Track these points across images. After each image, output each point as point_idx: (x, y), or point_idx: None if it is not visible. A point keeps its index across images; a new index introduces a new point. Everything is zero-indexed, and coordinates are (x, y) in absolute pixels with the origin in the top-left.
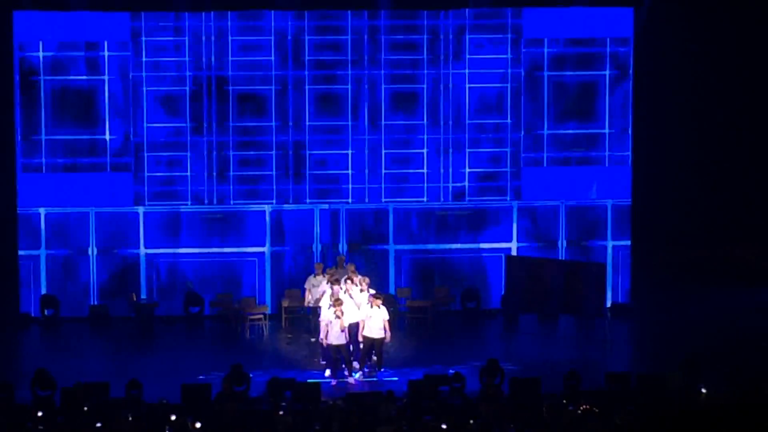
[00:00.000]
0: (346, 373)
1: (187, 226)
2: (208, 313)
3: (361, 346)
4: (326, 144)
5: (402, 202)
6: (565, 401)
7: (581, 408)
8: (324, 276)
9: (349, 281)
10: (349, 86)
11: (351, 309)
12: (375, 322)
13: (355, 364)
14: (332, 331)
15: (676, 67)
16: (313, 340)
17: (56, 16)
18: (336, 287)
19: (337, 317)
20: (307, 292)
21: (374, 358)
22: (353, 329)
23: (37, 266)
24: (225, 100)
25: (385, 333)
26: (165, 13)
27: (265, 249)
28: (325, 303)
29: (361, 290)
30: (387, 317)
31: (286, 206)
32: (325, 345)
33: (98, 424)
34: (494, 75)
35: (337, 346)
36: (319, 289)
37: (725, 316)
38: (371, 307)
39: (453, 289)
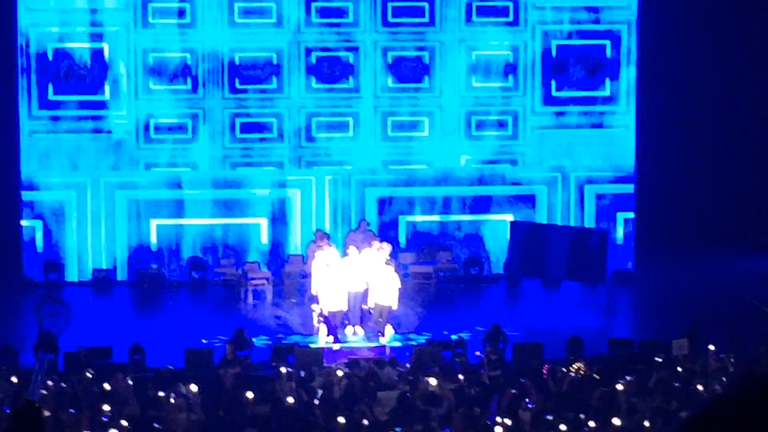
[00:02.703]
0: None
1: (190, 196)
2: (211, 278)
3: (372, 311)
4: (330, 113)
5: (406, 170)
6: (566, 367)
7: (575, 367)
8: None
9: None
10: (359, 53)
11: (355, 275)
12: (385, 288)
13: (359, 329)
14: (327, 296)
15: (683, 38)
16: (313, 306)
17: None
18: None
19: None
20: (309, 259)
21: (371, 323)
22: (357, 296)
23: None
24: (228, 69)
25: (392, 300)
26: None
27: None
28: (315, 270)
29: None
30: (398, 285)
31: (290, 177)
32: (324, 312)
33: (101, 388)
34: (499, 44)
35: (335, 312)
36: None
37: (729, 282)
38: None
39: (456, 255)
